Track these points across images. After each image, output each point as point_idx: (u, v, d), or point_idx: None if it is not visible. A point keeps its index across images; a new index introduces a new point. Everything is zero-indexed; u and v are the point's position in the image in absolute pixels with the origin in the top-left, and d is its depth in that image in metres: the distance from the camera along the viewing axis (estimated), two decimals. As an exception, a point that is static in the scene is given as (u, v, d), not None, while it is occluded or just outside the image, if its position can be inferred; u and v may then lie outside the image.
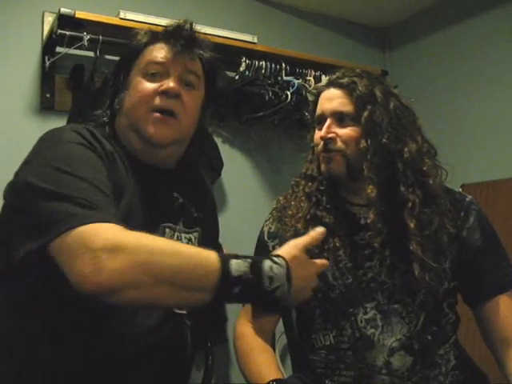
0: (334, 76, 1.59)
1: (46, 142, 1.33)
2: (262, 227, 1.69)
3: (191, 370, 1.56)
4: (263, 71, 2.94)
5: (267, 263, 1.16)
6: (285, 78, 2.96)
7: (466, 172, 2.88)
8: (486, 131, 3.13)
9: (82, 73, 2.57)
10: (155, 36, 1.49)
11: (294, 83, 2.91)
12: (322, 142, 1.54)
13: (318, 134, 1.57)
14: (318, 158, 1.59)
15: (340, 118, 1.54)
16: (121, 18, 2.67)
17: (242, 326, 1.67)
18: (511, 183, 2.87)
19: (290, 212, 1.59)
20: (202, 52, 1.51)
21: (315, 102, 1.63)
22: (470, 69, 3.26)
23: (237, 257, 1.16)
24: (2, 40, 2.57)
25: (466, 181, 2.81)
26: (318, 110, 1.59)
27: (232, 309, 2.66)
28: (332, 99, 1.55)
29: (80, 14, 2.44)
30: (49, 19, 2.62)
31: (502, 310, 1.49)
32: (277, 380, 1.45)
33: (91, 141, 1.33)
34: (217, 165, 2.89)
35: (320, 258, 1.50)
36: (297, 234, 1.53)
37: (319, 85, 1.65)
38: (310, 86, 2.95)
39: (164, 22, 2.73)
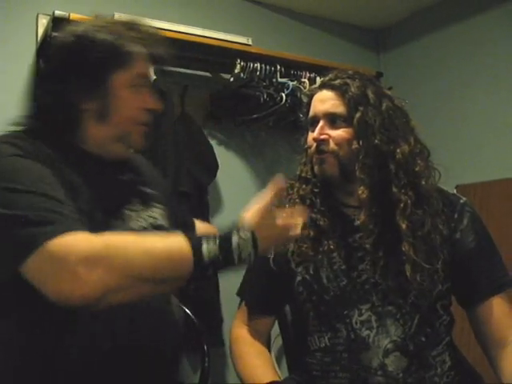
0: (327, 78, 1.60)
1: None
2: None
3: (181, 350, 1.56)
4: (258, 73, 2.95)
5: (235, 241, 1.20)
6: (280, 79, 2.98)
7: (461, 173, 2.89)
8: (481, 132, 3.15)
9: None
10: (142, 44, 1.46)
11: (288, 85, 2.92)
12: (314, 144, 1.54)
13: (310, 136, 1.57)
14: (311, 160, 1.59)
15: (332, 120, 1.54)
16: (115, 21, 2.66)
17: (238, 329, 1.67)
18: (505, 184, 2.88)
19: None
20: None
21: (308, 104, 1.63)
22: (464, 70, 3.28)
23: (207, 239, 1.19)
24: (-4, 42, 2.57)
25: (460, 182, 2.82)
26: (311, 112, 1.59)
27: (228, 310, 2.66)
28: (324, 101, 1.56)
29: (74, 17, 2.43)
30: (43, 21, 2.62)
31: (495, 312, 1.49)
32: (273, 382, 1.46)
33: (27, 148, 1.31)
34: (212, 166, 2.89)
35: (314, 260, 1.51)
36: None
37: (312, 87, 1.65)
38: (304, 88, 2.95)
39: (159, 24, 2.78)
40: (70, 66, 1.39)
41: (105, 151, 1.45)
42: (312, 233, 1.53)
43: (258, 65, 2.95)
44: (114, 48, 1.40)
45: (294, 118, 2.90)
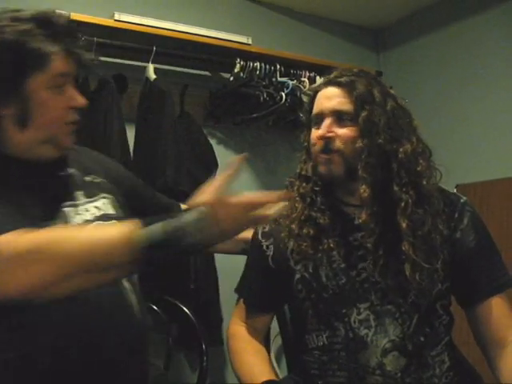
0: (332, 75, 1.57)
1: None
2: (256, 227, 1.68)
3: (145, 337, 1.47)
4: (258, 72, 2.95)
5: (184, 221, 1.13)
6: (279, 79, 2.97)
7: (461, 172, 2.89)
8: (481, 131, 3.15)
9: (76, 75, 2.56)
10: (57, 41, 1.38)
11: (288, 84, 2.92)
12: (319, 142, 1.51)
13: (315, 134, 1.54)
14: (312, 158, 1.56)
15: (339, 117, 1.51)
16: (116, 20, 2.68)
17: (235, 326, 1.67)
18: (506, 183, 2.88)
19: (284, 212, 1.55)
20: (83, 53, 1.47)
21: (312, 101, 1.60)
22: (464, 69, 3.28)
23: (153, 222, 1.13)
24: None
25: (460, 181, 2.82)
26: (316, 109, 1.56)
27: (227, 309, 2.66)
28: (331, 98, 1.53)
29: (75, 16, 2.43)
30: (43, 21, 2.61)
31: (494, 312, 1.48)
32: (270, 381, 1.45)
33: None
34: (211, 165, 2.89)
35: (314, 259, 1.50)
36: (291, 234, 1.54)
37: (315, 85, 1.64)
38: (304, 88, 2.96)
39: (159, 23, 2.78)
40: None
41: (32, 155, 1.42)
42: (312, 231, 1.52)
43: (258, 64, 2.95)
44: (25, 50, 1.33)
45: (294, 117, 2.90)
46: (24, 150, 1.41)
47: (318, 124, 1.54)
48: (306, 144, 1.62)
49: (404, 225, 1.43)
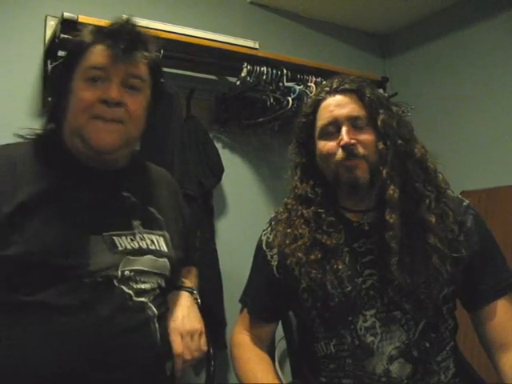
0: (335, 84, 1.55)
1: None
2: (261, 236, 1.68)
3: (161, 364, 1.44)
4: (264, 77, 2.94)
5: None
6: (286, 83, 2.97)
7: (466, 179, 2.89)
8: (486, 138, 3.14)
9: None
10: (97, 36, 1.44)
11: (295, 89, 2.91)
12: (340, 150, 1.48)
13: (328, 145, 1.51)
14: (332, 168, 1.52)
15: (355, 124, 1.50)
16: (123, 23, 2.67)
17: (239, 335, 1.67)
18: (511, 191, 2.88)
19: (287, 241, 1.55)
20: (145, 54, 1.47)
21: (313, 113, 1.58)
22: (470, 76, 3.27)
23: None
24: (4, 44, 2.58)
25: (465, 188, 2.82)
26: (328, 118, 1.52)
27: (231, 314, 2.67)
28: (343, 105, 1.51)
29: (83, 19, 2.43)
30: (51, 23, 2.62)
31: (499, 315, 1.48)
32: None
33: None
34: (217, 170, 2.89)
35: (321, 278, 1.48)
36: (298, 263, 1.51)
37: (318, 95, 1.61)
38: (310, 93, 2.95)
39: (167, 27, 2.79)
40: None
41: (75, 151, 1.44)
42: (320, 255, 1.50)
43: (265, 68, 2.95)
44: (75, 43, 1.44)
45: (300, 122, 2.90)
46: (67, 140, 1.45)
47: (330, 135, 1.52)
48: (300, 159, 1.63)
49: (432, 220, 1.44)
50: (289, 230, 1.55)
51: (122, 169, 1.52)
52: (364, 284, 1.49)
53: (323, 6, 3.42)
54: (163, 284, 1.48)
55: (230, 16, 3.22)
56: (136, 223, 1.47)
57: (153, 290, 1.43)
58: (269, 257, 1.62)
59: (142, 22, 2.69)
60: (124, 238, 1.42)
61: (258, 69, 2.94)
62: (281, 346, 2.22)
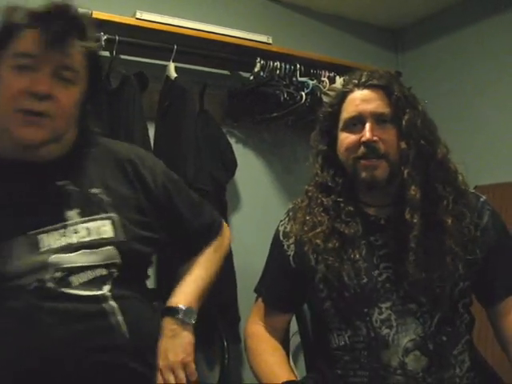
0: (363, 78, 1.53)
1: None
2: (278, 227, 1.67)
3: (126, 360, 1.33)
4: (278, 72, 2.95)
5: None
6: (299, 78, 2.97)
7: (480, 173, 2.87)
8: (500, 133, 3.13)
9: (98, 73, 2.58)
10: (28, 19, 1.29)
11: (308, 84, 2.91)
12: (361, 146, 1.47)
13: (350, 138, 1.50)
14: (349, 163, 1.51)
15: (379, 120, 1.48)
16: (137, 19, 2.69)
17: (254, 325, 1.67)
18: (525, 185, 2.87)
19: (305, 228, 1.55)
20: (81, 41, 1.33)
21: (339, 103, 1.56)
22: (483, 70, 3.26)
23: None
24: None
25: (479, 182, 2.80)
26: (352, 112, 1.51)
27: (245, 309, 2.67)
28: (369, 101, 1.49)
29: (97, 14, 2.45)
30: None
31: None
32: (289, 381, 1.46)
33: None
34: (230, 165, 2.90)
35: (338, 267, 1.48)
36: (316, 250, 1.52)
37: (338, 86, 1.60)
38: (324, 87, 2.96)
39: (180, 22, 2.80)
40: None
41: (5, 148, 1.35)
42: (337, 243, 1.49)
43: (278, 63, 2.95)
44: (2, 24, 1.29)
45: (313, 117, 2.88)
46: None
47: (353, 128, 1.51)
48: (322, 148, 1.60)
49: (449, 221, 1.44)
50: (308, 218, 1.55)
51: (58, 157, 1.40)
52: (380, 277, 1.49)
53: (336, 0, 3.41)
54: (116, 273, 1.36)
55: (243, 11, 3.22)
56: (71, 213, 1.36)
57: (101, 283, 1.32)
58: (285, 247, 1.62)
59: (155, 17, 2.73)
60: (52, 235, 1.32)
61: (272, 64, 2.94)
62: (294, 340, 2.22)
